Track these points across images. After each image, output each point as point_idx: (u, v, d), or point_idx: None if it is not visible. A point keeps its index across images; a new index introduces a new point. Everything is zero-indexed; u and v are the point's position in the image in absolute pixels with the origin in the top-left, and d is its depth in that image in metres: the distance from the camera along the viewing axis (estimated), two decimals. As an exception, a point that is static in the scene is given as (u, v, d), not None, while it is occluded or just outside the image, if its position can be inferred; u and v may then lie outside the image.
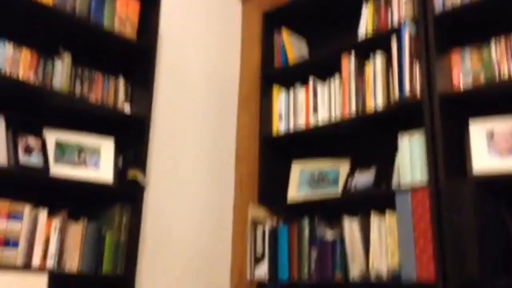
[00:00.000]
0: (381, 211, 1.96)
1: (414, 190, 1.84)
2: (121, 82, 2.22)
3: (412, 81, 1.95)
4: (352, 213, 2.07)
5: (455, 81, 1.93)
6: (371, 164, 2.19)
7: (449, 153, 1.82)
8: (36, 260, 1.78)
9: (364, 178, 2.15)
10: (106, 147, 2.11)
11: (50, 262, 1.82)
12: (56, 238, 1.85)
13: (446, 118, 1.85)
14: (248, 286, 2.49)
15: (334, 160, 2.33)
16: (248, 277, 2.32)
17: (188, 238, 2.52)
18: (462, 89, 1.85)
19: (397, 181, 1.97)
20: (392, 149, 2.05)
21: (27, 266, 1.76)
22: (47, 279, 1.76)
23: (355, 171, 2.22)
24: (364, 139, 2.32)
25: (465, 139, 1.86)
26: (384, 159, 2.12)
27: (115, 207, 2.04)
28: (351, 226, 2.02)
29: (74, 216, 1.96)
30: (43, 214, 1.84)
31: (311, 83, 2.33)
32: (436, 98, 1.84)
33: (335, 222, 2.13)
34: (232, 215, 2.75)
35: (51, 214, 1.86)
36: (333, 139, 2.38)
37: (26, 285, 1.71)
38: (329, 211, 2.20)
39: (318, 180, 2.32)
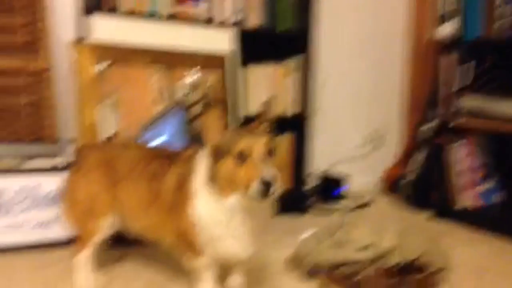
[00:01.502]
0: None
1: None
2: None
3: None
4: None
5: None
6: None
7: None
8: (220, 16, 1.81)
9: None
10: None
11: (233, 18, 1.83)
12: (236, -4, 1.87)
13: None
14: (425, 48, 2.32)
15: None
16: (430, 37, 2.14)
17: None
18: None
19: None
20: None
21: (212, 20, 1.80)
22: (231, 33, 1.80)
23: None
24: None
25: None
26: None
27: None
28: None
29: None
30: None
31: None
32: None
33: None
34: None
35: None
36: None
37: (212, 38, 1.80)
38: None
39: None
